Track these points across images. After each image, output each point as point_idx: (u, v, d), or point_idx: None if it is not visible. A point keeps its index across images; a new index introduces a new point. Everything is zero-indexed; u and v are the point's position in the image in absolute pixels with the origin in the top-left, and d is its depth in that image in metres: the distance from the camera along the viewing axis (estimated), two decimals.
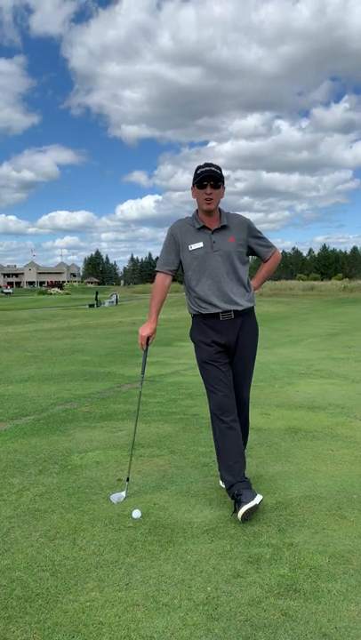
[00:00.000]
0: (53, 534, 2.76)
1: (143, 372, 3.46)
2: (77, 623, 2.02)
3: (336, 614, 2.06)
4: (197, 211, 3.15)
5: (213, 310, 3.09)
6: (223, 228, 3.10)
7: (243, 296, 3.13)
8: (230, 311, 3.08)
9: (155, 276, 3.29)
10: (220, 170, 3.09)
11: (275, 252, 3.30)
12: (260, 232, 3.24)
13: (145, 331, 3.19)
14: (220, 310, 3.08)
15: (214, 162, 3.13)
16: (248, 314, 3.18)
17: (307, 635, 1.94)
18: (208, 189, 3.02)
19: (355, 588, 2.25)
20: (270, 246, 3.28)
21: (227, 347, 3.13)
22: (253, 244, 3.20)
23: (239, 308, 3.10)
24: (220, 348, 3.12)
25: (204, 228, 3.10)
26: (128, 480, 3.34)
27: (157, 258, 3.30)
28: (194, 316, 3.22)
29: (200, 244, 3.09)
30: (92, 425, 4.97)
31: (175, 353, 10.17)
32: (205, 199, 3.04)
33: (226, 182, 3.13)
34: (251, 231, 3.18)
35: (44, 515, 2.99)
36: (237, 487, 2.96)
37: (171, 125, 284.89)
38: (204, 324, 3.14)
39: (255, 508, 2.86)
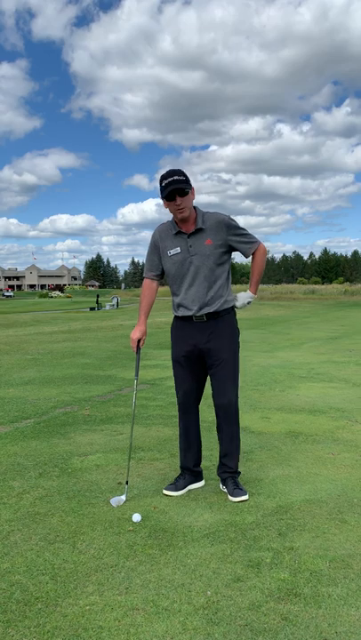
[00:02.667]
0: (53, 538, 2.75)
1: (137, 375, 3.49)
2: (77, 627, 2.02)
3: (337, 619, 2.05)
4: None
5: (187, 313, 3.21)
6: (199, 230, 3.12)
7: (218, 299, 3.19)
8: (202, 315, 3.17)
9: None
10: (184, 174, 3.06)
11: (258, 246, 3.23)
12: (240, 228, 3.19)
13: (135, 334, 3.30)
14: (191, 313, 3.19)
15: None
16: (223, 316, 3.22)
17: (307, 639, 1.93)
18: (177, 200, 3.05)
19: (355, 592, 2.24)
20: (253, 241, 3.21)
21: (199, 349, 3.21)
22: (234, 242, 3.17)
23: (211, 310, 3.17)
24: (190, 349, 3.24)
25: (180, 232, 3.15)
26: (127, 483, 3.33)
27: None
28: (174, 317, 3.35)
29: (178, 250, 3.16)
30: (92, 428, 4.97)
31: None
32: (177, 210, 3.08)
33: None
34: (230, 229, 3.15)
35: (44, 518, 2.99)
36: (181, 474, 3.42)
37: (172, 129, 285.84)
38: (179, 325, 3.29)
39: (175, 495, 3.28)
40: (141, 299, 3.37)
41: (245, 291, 3.34)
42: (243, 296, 3.31)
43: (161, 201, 3.12)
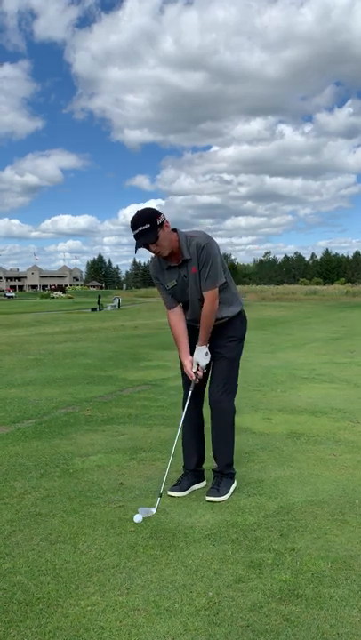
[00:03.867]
0: (55, 538, 2.75)
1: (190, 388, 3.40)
2: (78, 627, 2.02)
3: (338, 620, 2.05)
4: None
5: (193, 324, 3.30)
6: (186, 260, 3.12)
7: (218, 312, 3.21)
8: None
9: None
10: (150, 219, 2.98)
11: (209, 289, 3.09)
12: (208, 261, 3.06)
13: (185, 364, 3.30)
14: (197, 325, 3.26)
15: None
16: (226, 322, 3.27)
17: None
18: (152, 247, 3.06)
19: (357, 593, 2.23)
20: (210, 281, 3.08)
21: None
22: (200, 272, 3.10)
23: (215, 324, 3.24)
24: (192, 349, 3.31)
25: (170, 267, 3.20)
26: (161, 496, 3.19)
27: None
28: None
29: (174, 282, 3.22)
30: (93, 429, 4.97)
31: (177, 356, 10.15)
32: (155, 252, 3.11)
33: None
34: (200, 258, 3.07)
35: (46, 518, 2.99)
36: (184, 474, 3.43)
37: (173, 130, 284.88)
38: (188, 326, 3.35)
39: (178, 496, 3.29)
40: (173, 335, 3.31)
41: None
42: (197, 356, 3.25)
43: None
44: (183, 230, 3.18)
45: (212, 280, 3.10)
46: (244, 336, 3.38)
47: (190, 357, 3.28)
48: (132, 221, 3.02)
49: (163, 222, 3.01)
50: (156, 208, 3.11)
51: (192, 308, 3.24)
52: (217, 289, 3.13)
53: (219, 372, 3.31)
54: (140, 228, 2.98)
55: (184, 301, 3.28)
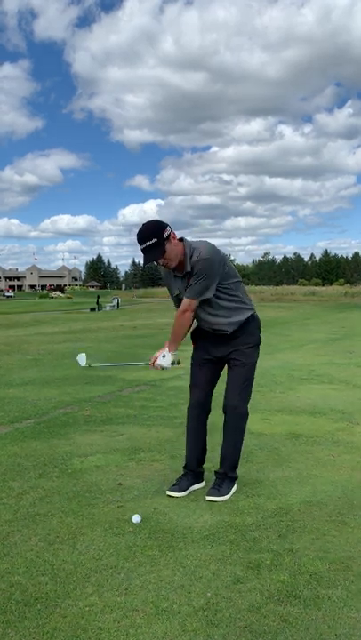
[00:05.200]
0: (53, 538, 2.75)
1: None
2: (76, 628, 2.01)
3: (336, 621, 2.05)
4: None
5: (201, 326, 3.36)
6: (188, 273, 3.14)
7: (222, 323, 3.22)
8: (217, 330, 3.27)
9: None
10: (156, 232, 3.00)
11: (185, 300, 3.13)
12: (198, 275, 3.07)
13: (157, 352, 3.30)
14: (205, 327, 3.31)
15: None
16: (239, 329, 3.24)
17: None
18: (160, 261, 3.08)
19: (355, 594, 2.24)
20: (191, 292, 3.11)
21: (218, 357, 3.33)
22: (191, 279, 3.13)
23: (220, 332, 3.25)
24: (207, 353, 3.34)
25: (176, 277, 3.24)
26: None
27: None
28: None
29: (177, 291, 3.27)
30: (92, 429, 4.97)
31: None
32: (163, 265, 3.14)
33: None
34: (193, 271, 3.09)
35: (44, 519, 2.98)
36: (184, 474, 3.42)
37: (173, 130, 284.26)
38: (198, 331, 3.41)
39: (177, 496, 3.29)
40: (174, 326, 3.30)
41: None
42: (160, 360, 3.28)
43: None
44: (189, 239, 3.18)
45: (193, 294, 3.12)
46: (260, 341, 3.37)
47: (166, 350, 3.27)
48: (138, 235, 3.05)
49: (169, 235, 3.03)
50: (160, 219, 3.14)
51: (199, 315, 3.27)
52: (187, 303, 3.14)
53: (236, 378, 3.29)
54: (148, 243, 3.00)
55: None
